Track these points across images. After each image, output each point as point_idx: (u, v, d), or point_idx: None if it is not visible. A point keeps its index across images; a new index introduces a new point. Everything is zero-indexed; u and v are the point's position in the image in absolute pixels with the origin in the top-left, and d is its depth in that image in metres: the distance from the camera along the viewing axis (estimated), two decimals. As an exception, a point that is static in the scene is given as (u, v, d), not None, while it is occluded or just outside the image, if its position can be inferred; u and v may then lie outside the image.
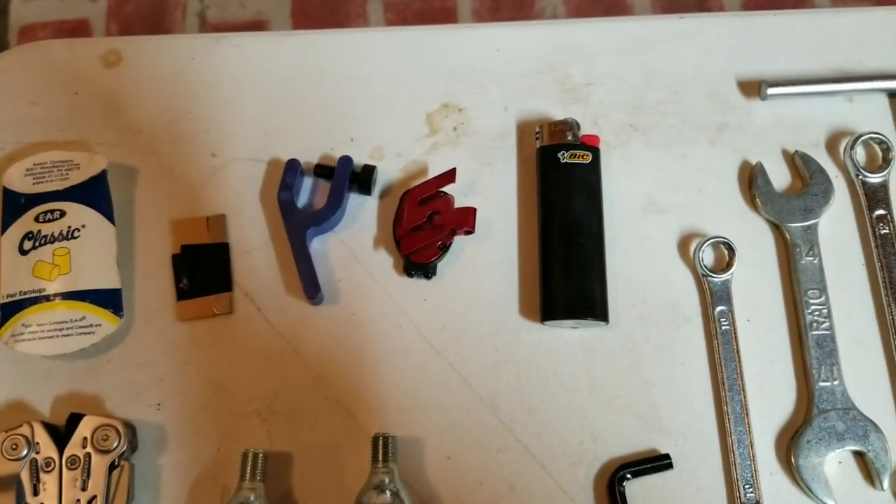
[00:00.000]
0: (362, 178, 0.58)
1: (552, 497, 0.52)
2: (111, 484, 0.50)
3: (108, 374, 0.54)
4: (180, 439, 0.53)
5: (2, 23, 1.40)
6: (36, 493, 0.49)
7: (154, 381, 0.54)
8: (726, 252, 0.57)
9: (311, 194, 0.59)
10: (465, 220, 0.56)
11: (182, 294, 0.56)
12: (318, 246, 0.57)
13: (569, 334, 0.55)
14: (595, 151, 0.58)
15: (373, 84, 0.62)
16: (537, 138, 0.59)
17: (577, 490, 0.52)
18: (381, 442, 0.50)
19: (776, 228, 0.59)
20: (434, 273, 0.56)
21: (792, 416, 0.54)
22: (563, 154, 0.58)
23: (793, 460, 0.52)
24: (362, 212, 0.59)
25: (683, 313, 0.56)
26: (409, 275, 0.56)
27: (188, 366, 0.55)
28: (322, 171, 0.59)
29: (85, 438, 0.50)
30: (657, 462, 0.52)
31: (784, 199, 0.59)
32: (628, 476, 0.52)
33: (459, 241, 0.57)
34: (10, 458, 0.49)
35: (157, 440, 0.53)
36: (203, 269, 0.56)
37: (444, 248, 0.56)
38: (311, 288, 0.55)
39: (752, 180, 0.60)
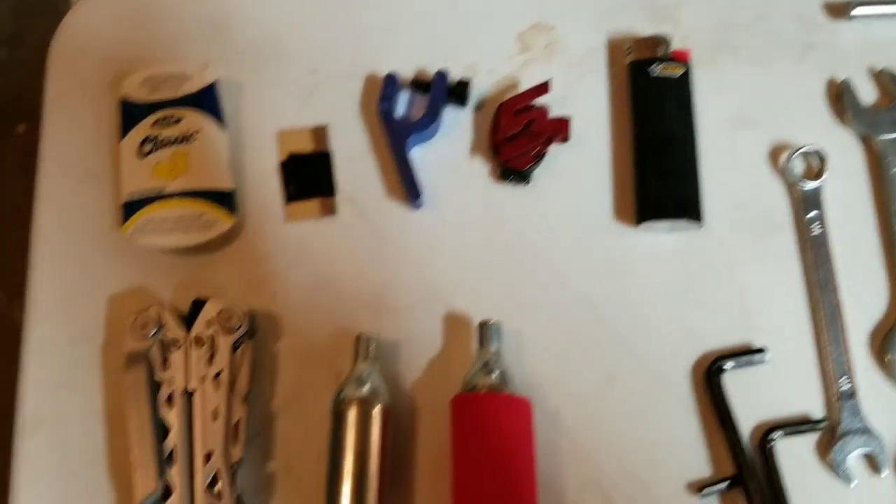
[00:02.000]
0: (458, 91, 0.64)
1: (649, 387, 0.57)
2: (235, 362, 0.55)
3: (224, 269, 0.60)
4: (295, 329, 0.59)
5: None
6: (165, 367, 0.55)
7: (268, 275, 0.60)
8: (816, 161, 0.62)
9: (408, 107, 0.65)
10: (561, 129, 0.61)
11: (290, 197, 0.62)
12: (416, 155, 0.63)
13: (663, 239, 0.60)
14: (685, 65, 0.63)
15: (466, 4, 0.68)
16: (628, 53, 0.64)
17: (674, 381, 0.57)
18: (486, 327, 0.55)
19: (865, 141, 0.63)
20: (529, 179, 0.61)
21: (884, 316, 0.58)
22: (655, 68, 0.63)
23: (886, 357, 0.56)
24: (457, 124, 0.64)
25: (775, 220, 0.61)
26: (506, 181, 0.61)
27: (298, 263, 0.60)
28: (419, 85, 0.64)
29: (210, 319, 0.56)
30: (753, 353, 0.56)
31: (873, 111, 0.63)
32: (725, 367, 0.56)
33: (553, 149, 0.62)
34: (141, 336, 0.55)
35: (273, 329, 0.59)
36: (308, 176, 0.62)
37: (540, 157, 0.61)
38: (412, 191, 0.60)
39: (840, 94, 0.64)
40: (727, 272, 0.59)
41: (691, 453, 0.55)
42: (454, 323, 0.59)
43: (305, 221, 0.61)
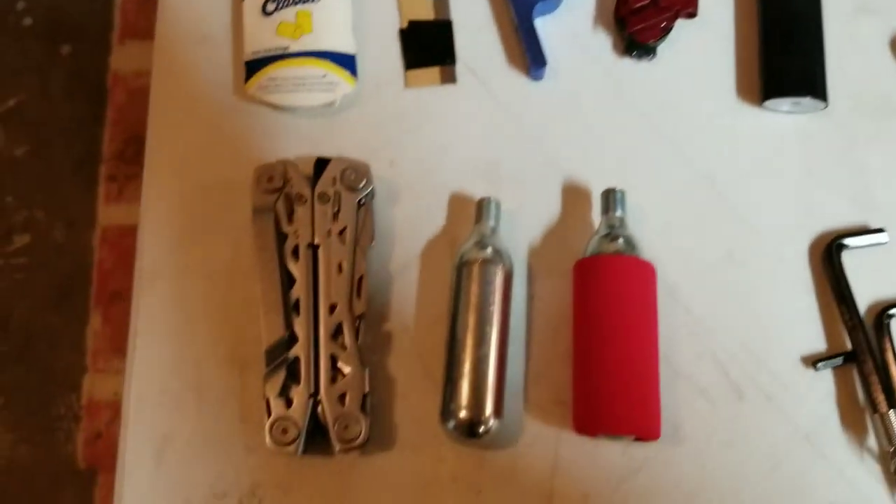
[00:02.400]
0: (581, -37, 0.63)
1: (767, 264, 0.57)
2: (359, 219, 0.56)
3: (344, 132, 0.61)
4: (413, 194, 0.59)
5: None
6: (290, 221, 0.56)
7: (386, 140, 0.60)
8: (943, 49, 0.61)
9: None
10: (689, 3, 0.61)
11: (409, 64, 0.62)
12: (540, 26, 0.62)
13: (784, 119, 0.60)
14: (814, -53, 0.62)
15: None
16: (755, -67, 0.63)
17: (792, 258, 0.57)
18: (612, 194, 0.56)
19: None
20: (654, 53, 0.61)
21: None
22: (783, -52, 0.62)
23: None
24: (581, -4, 0.64)
25: (894, 105, 0.60)
26: (630, 54, 0.61)
27: (417, 129, 0.61)
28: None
29: (334, 177, 0.56)
30: (872, 233, 0.57)
31: None
32: (845, 244, 0.56)
33: (679, 24, 0.61)
34: (267, 189, 0.56)
35: (392, 193, 0.59)
36: (428, 43, 0.62)
37: (666, 31, 0.61)
38: (537, 59, 0.60)
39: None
40: (847, 154, 0.60)
41: (807, 329, 0.56)
42: (573, 194, 0.59)
43: (425, 89, 0.61)
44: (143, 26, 1.46)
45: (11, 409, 1.30)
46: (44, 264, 1.36)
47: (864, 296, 0.56)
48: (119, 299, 1.34)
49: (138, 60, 1.45)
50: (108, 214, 1.38)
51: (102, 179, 1.39)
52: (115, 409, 1.29)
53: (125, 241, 1.36)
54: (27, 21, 1.48)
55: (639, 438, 0.53)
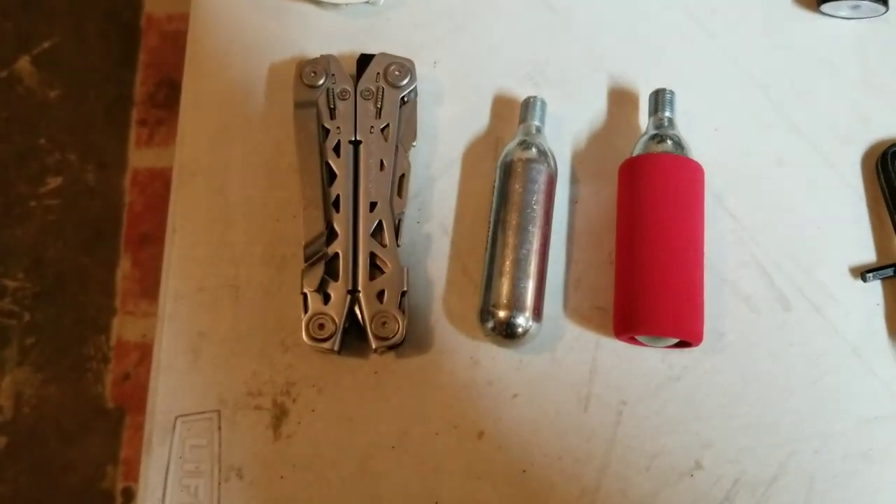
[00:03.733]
0: None
1: (819, 171, 0.56)
2: (402, 116, 0.55)
3: (386, 31, 0.59)
4: (456, 95, 0.58)
5: None
6: (333, 117, 0.55)
7: (430, 41, 0.59)
8: None
9: None
10: None
11: (454, -35, 0.60)
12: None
13: (844, 24, 0.58)
14: None
15: None
16: None
17: (844, 167, 0.56)
18: (661, 93, 0.54)
19: None
20: (708, -44, 0.59)
21: None
22: None
23: None
24: None
25: (960, 15, 0.58)
26: (682, -43, 0.59)
27: (462, 30, 0.59)
28: None
29: (378, 74, 0.55)
30: (932, 141, 0.55)
31: None
32: (902, 152, 0.55)
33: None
34: (309, 84, 0.55)
35: (435, 93, 0.58)
36: (473, -55, 0.60)
37: (719, -67, 0.59)
38: (586, -40, 0.58)
39: None
40: (907, 64, 0.58)
41: (858, 239, 0.55)
42: (620, 97, 0.58)
43: (470, -12, 0.60)
44: (177, -32, 1.46)
45: (42, 349, 1.32)
46: (75, 206, 1.37)
47: (919, 208, 0.55)
48: (149, 242, 1.35)
49: (172, 3, 1.44)
50: (138, 158, 1.38)
51: (134, 123, 1.40)
52: (143, 350, 1.31)
53: (155, 184, 1.37)
54: (63, -37, 1.48)
55: (680, 343, 0.51)
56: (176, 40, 1.44)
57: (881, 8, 0.57)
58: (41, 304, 1.34)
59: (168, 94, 1.41)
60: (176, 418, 0.53)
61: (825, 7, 0.57)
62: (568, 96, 0.58)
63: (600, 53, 0.58)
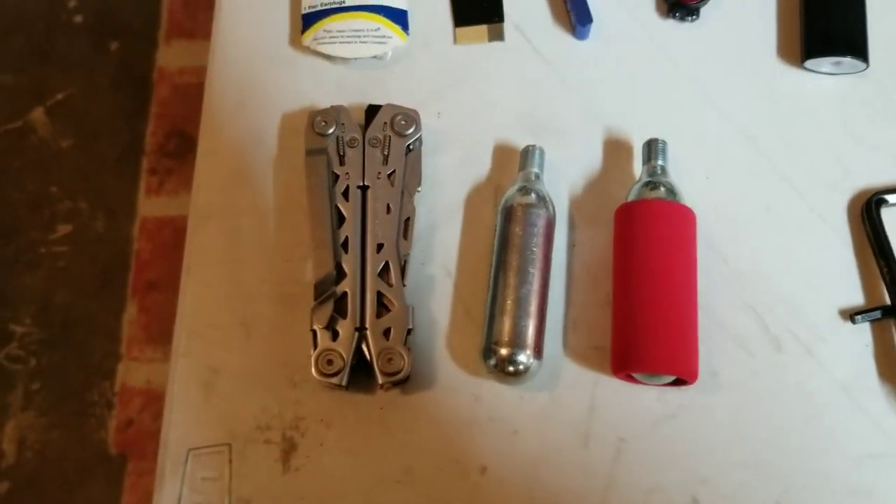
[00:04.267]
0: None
1: (806, 219, 0.58)
2: (408, 164, 0.58)
3: (392, 84, 0.63)
4: (459, 144, 0.61)
5: None
6: (342, 163, 0.58)
7: (434, 93, 0.62)
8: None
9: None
10: (732, -33, 0.62)
11: (459, 21, 0.64)
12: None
13: (825, 80, 0.61)
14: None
15: None
16: None
17: (831, 214, 0.58)
18: (654, 143, 0.57)
19: None
20: (697, 15, 0.62)
21: None
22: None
23: None
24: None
25: (937, 70, 0.61)
26: (674, 15, 0.62)
27: (463, 83, 0.63)
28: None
29: (385, 123, 0.58)
30: (914, 189, 0.57)
31: None
32: (885, 200, 0.57)
33: (722, -12, 0.63)
34: (320, 132, 0.58)
35: (439, 142, 0.61)
36: (477, 1, 0.64)
37: (709, -7, 0.62)
38: (582, 16, 0.62)
39: None
40: (888, 115, 0.60)
41: (845, 283, 0.57)
42: (614, 147, 0.60)
43: (473, 45, 0.63)
44: (189, 26, 1.51)
45: (46, 394, 1.33)
46: (84, 253, 1.39)
47: (903, 253, 0.57)
48: (155, 289, 1.37)
49: (183, 58, 1.49)
50: (148, 206, 1.41)
51: (144, 172, 1.43)
52: (147, 397, 1.31)
53: (164, 232, 1.39)
54: (78, 18, 1.53)
55: (676, 382, 0.53)
56: (187, 92, 1.48)
57: (861, 64, 0.60)
58: (47, 349, 1.35)
59: (178, 145, 1.45)
60: (188, 451, 0.55)
61: (808, 63, 0.60)
62: (565, 145, 0.60)
63: (595, 105, 0.61)
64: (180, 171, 1.42)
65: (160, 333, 1.36)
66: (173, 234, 1.39)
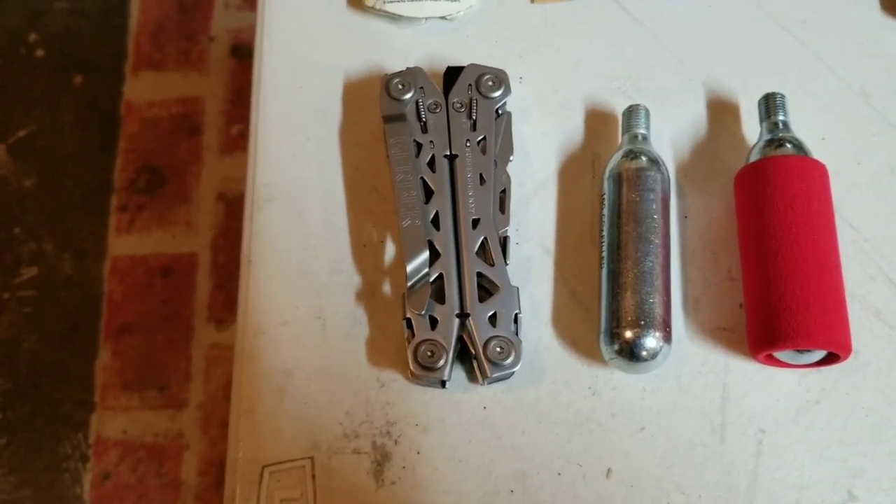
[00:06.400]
0: None
1: (936, 177, 0.53)
2: (498, 128, 0.51)
3: (466, 48, 0.56)
4: (545, 110, 0.55)
5: None
6: (425, 130, 0.51)
7: (514, 56, 0.56)
8: None
9: None
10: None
11: (533, -18, 0.58)
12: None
13: (936, 32, 0.57)
14: None
15: None
16: None
17: (961, 172, 0.53)
18: (773, 97, 0.52)
19: None
20: (793, -32, 0.58)
21: None
22: None
23: None
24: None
25: None
26: (768, -31, 0.58)
27: (546, 45, 0.57)
28: None
29: (469, 85, 0.52)
30: None
31: None
32: None
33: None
34: (396, 96, 0.51)
35: (523, 109, 0.55)
36: (550, -37, 0.59)
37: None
38: (673, -28, 0.57)
39: None
40: None
41: None
42: (719, 108, 0.55)
43: (553, 3, 0.58)
44: (157, 57, 1.44)
45: (15, 450, 1.23)
46: (52, 297, 1.30)
47: None
48: (129, 332, 1.28)
49: (152, 90, 1.42)
50: (118, 245, 1.33)
51: (113, 210, 1.35)
52: (124, 447, 1.22)
53: (136, 272, 1.31)
54: (39, 52, 1.46)
55: (819, 361, 0.47)
56: (157, 126, 1.41)
57: (978, 12, 0.56)
58: (14, 401, 1.25)
59: (150, 180, 1.37)
60: (263, 468, 0.46)
61: (919, 13, 0.56)
62: (664, 109, 0.55)
63: (693, 64, 0.56)
64: (152, 207, 1.35)
65: (136, 379, 1.27)
66: (147, 274, 1.31)
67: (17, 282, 1.33)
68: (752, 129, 0.54)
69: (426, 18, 0.56)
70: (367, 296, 0.50)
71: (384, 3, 0.55)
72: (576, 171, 0.53)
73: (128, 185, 1.38)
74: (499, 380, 0.47)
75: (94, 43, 1.48)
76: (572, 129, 0.55)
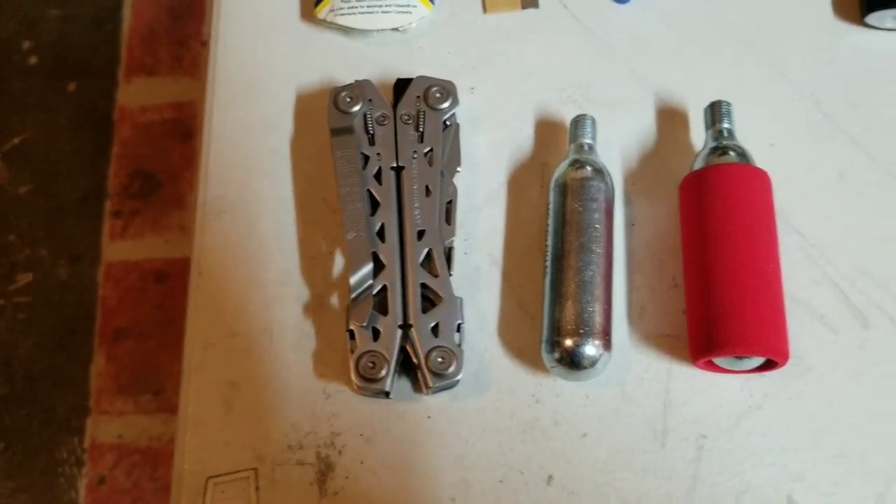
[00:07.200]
0: None
1: (885, 183, 0.54)
2: (446, 140, 0.53)
3: (418, 59, 0.58)
4: (496, 121, 0.56)
5: None
6: (372, 143, 0.52)
7: (466, 67, 0.57)
8: None
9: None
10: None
11: (486, -9, 0.59)
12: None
13: (889, 36, 0.58)
14: None
15: None
16: None
17: (910, 177, 0.54)
18: (718, 106, 0.53)
19: None
20: (744, -25, 0.59)
21: None
22: None
23: None
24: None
25: None
26: (719, -24, 0.59)
27: (497, 55, 0.58)
28: None
29: (417, 97, 0.53)
30: None
31: None
32: (969, 158, 0.53)
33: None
34: (344, 109, 0.53)
35: (473, 120, 0.56)
36: (507, -29, 0.60)
37: (753, -47, 0.59)
38: (625, -19, 0.58)
39: None
40: (958, 72, 0.57)
41: (933, 250, 0.53)
42: (668, 115, 0.56)
43: (505, 13, 0.59)
44: (150, 62, 1.46)
45: (11, 455, 1.25)
46: (47, 303, 1.33)
47: None
48: (124, 337, 1.30)
49: (145, 95, 1.44)
50: (112, 251, 1.35)
51: (107, 215, 1.37)
52: (119, 452, 1.24)
53: (130, 277, 1.33)
54: (33, 60, 1.48)
55: (760, 367, 0.48)
56: (150, 131, 1.43)
57: (927, 15, 0.57)
58: (10, 406, 1.28)
59: (143, 185, 1.39)
60: (207, 480, 0.48)
61: (869, 18, 0.57)
62: (614, 117, 0.56)
63: (643, 72, 0.57)
64: (146, 213, 1.37)
65: (131, 384, 1.29)
66: (140, 279, 1.33)
67: (13, 288, 1.35)
68: (700, 137, 0.55)
69: (378, 31, 0.57)
70: (316, 308, 0.51)
71: (336, 15, 0.56)
72: (525, 182, 0.55)
73: (121, 190, 1.40)
74: (442, 389, 0.49)
75: (87, 49, 1.50)
76: (523, 139, 0.56)
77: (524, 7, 0.59)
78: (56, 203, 1.39)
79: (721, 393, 0.50)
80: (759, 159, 0.53)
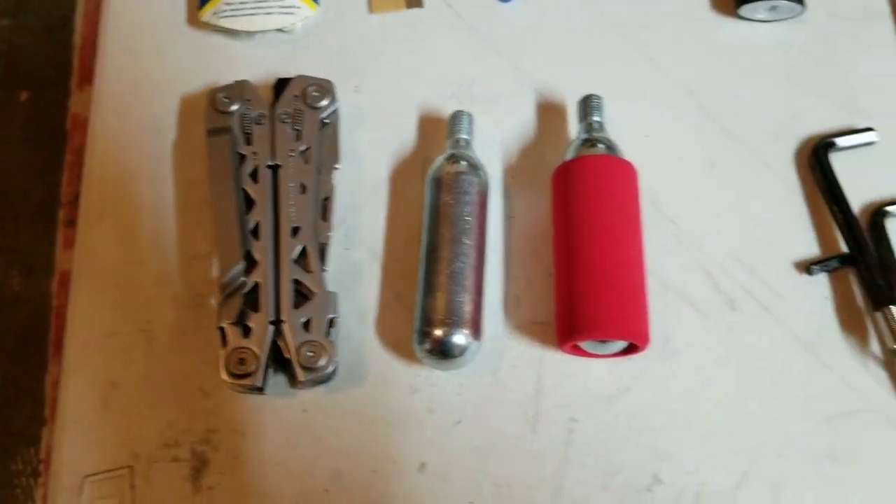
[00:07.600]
0: None
1: (753, 170, 0.56)
2: (323, 138, 0.54)
3: (303, 59, 0.59)
4: (380, 118, 0.57)
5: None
6: (248, 142, 0.53)
7: (350, 66, 0.59)
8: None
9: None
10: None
11: (371, -9, 0.61)
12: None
13: (761, 28, 0.59)
14: None
15: None
16: None
17: (778, 164, 0.56)
18: (589, 99, 0.54)
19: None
20: (621, -30, 0.60)
21: None
22: None
23: None
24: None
25: (873, 8, 0.60)
26: (596, -28, 0.60)
27: (381, 54, 0.59)
28: None
29: (296, 96, 0.54)
30: (860, 132, 0.55)
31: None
32: (834, 143, 0.55)
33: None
34: (222, 110, 0.54)
35: (358, 117, 0.57)
36: (389, -28, 0.61)
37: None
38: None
39: None
40: (828, 60, 0.59)
41: (798, 234, 0.54)
42: (548, 110, 0.57)
43: (390, 13, 0.60)
44: (104, 70, 1.46)
45: None
46: (0, 314, 1.33)
47: (856, 198, 0.54)
48: None
49: None
50: (66, 260, 1.35)
51: (60, 224, 1.37)
52: None
53: None
54: (-17, 71, 1.48)
55: (627, 350, 0.50)
56: (104, 138, 1.43)
57: (798, 7, 0.58)
58: (-36, 419, 1.28)
59: (97, 193, 1.39)
60: (84, 478, 0.49)
61: (743, 10, 0.58)
62: (496, 113, 0.57)
63: (525, 68, 0.59)
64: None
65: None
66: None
67: (-36, 302, 1.35)
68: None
69: (263, 32, 0.58)
70: (195, 307, 0.52)
71: (219, 17, 0.57)
72: (407, 177, 0.56)
73: (74, 199, 1.40)
74: (316, 383, 0.50)
75: (39, 58, 1.50)
76: (406, 135, 0.57)
77: (409, 7, 0.60)
78: (8, 213, 1.39)
79: (590, 377, 0.51)
80: (634, 150, 0.54)
